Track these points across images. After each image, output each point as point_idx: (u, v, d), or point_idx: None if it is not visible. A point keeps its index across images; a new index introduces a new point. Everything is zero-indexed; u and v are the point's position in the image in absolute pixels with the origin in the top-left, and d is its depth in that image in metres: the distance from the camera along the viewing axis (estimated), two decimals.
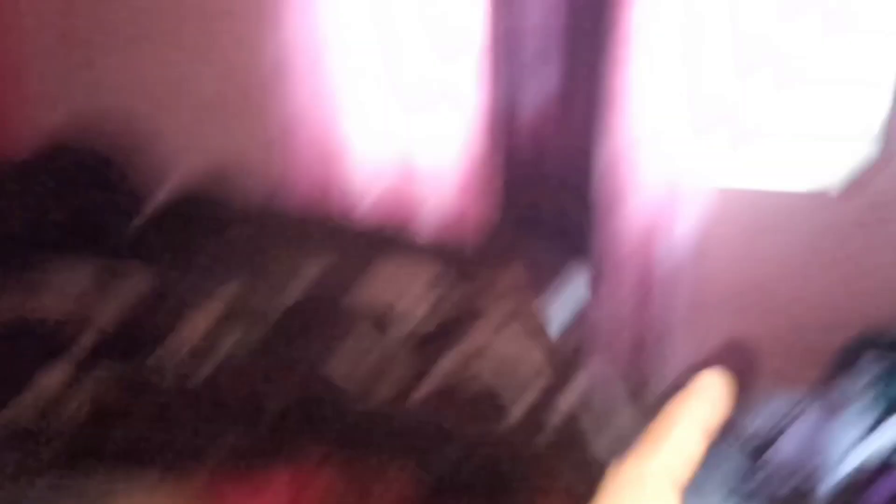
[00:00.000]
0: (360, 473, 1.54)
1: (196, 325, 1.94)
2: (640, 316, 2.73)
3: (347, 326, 2.00)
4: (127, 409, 1.70)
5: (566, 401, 1.75)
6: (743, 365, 2.66)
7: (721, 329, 2.67)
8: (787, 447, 2.61)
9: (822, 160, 2.01)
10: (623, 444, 1.66)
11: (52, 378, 1.76)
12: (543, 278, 2.25)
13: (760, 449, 2.58)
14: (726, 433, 2.69)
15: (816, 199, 2.04)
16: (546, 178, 2.34)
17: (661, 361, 2.75)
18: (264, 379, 1.78)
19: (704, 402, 0.44)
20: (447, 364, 1.89)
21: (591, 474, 1.50)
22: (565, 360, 1.87)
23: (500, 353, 1.81)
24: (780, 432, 2.61)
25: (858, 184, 2.02)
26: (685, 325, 2.69)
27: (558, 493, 1.49)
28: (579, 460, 1.61)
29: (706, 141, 1.93)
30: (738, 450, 2.68)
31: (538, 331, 1.92)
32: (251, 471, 1.43)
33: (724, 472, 2.67)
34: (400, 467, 1.52)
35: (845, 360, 2.35)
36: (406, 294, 2.07)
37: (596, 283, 2.61)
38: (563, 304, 2.30)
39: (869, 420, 2.38)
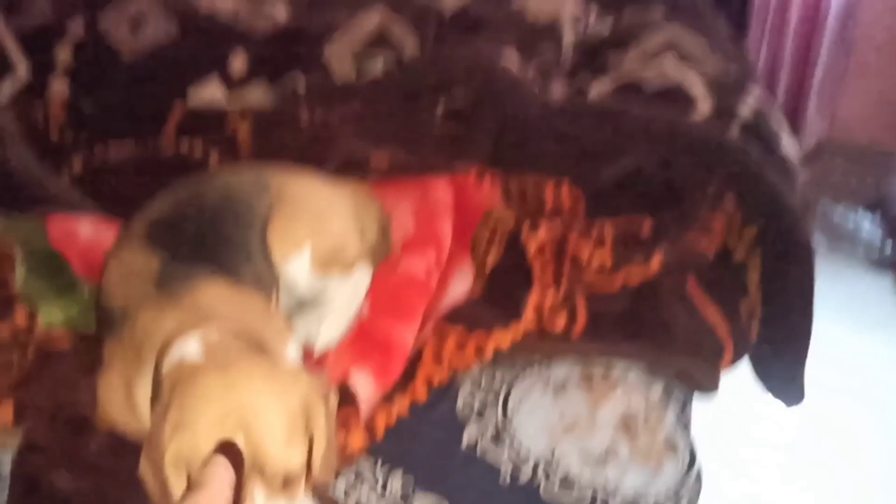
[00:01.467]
0: (523, 182, 1.54)
1: (366, 21, 1.88)
2: (797, 60, 2.78)
3: (517, 30, 1.98)
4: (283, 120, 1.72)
5: (748, 104, 1.72)
6: None
7: (873, 85, 2.70)
8: None
9: None
10: (790, 173, 1.63)
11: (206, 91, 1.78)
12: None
13: None
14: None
15: None
16: None
17: (815, 109, 2.77)
18: (443, 71, 1.77)
19: None
20: (627, 63, 1.86)
21: (767, 187, 1.50)
22: (732, 80, 1.86)
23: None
24: None
25: None
26: (839, 74, 2.71)
27: (723, 208, 1.47)
28: (769, 159, 1.58)
29: None
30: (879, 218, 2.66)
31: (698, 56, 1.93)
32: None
33: (863, 241, 2.65)
34: (565, 178, 1.51)
35: None
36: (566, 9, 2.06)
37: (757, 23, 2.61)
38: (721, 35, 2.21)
39: None
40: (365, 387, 1.22)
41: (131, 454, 1.13)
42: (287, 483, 0.99)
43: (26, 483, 1.16)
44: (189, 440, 0.95)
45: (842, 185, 2.97)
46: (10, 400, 1.21)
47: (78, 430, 1.17)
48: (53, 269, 1.39)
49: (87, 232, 1.49)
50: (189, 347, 1.06)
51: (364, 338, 1.30)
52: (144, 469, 1.02)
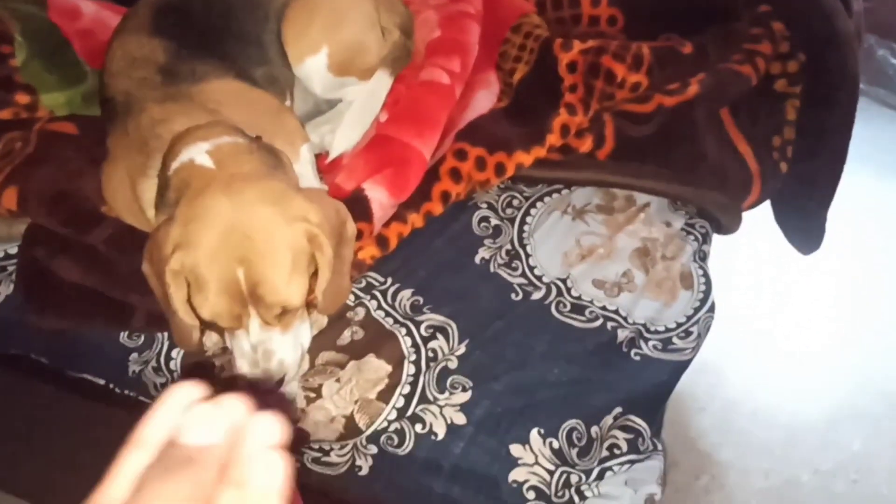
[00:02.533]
0: None
1: None
2: None
3: None
4: None
5: None
6: None
7: None
8: None
9: None
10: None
11: None
12: None
13: None
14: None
15: None
16: None
17: None
18: None
19: None
20: None
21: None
22: None
23: None
24: None
25: None
26: None
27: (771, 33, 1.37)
28: None
29: None
30: None
31: None
32: None
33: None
34: None
35: None
36: None
37: None
38: None
39: None
40: (379, 198, 1.18)
41: (136, 247, 1.12)
42: (283, 315, 0.98)
43: (32, 273, 1.15)
44: (191, 259, 0.93)
45: (890, 20, 2.79)
46: (14, 187, 1.17)
47: (83, 221, 1.14)
48: (54, 46, 1.31)
49: (90, 12, 1.39)
50: (199, 151, 1.01)
51: (381, 147, 1.25)
52: (147, 269, 1.01)
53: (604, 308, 1.17)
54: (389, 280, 1.19)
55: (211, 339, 1.13)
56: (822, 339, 1.97)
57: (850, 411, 1.82)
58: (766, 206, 1.50)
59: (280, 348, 0.99)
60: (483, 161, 1.27)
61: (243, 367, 0.98)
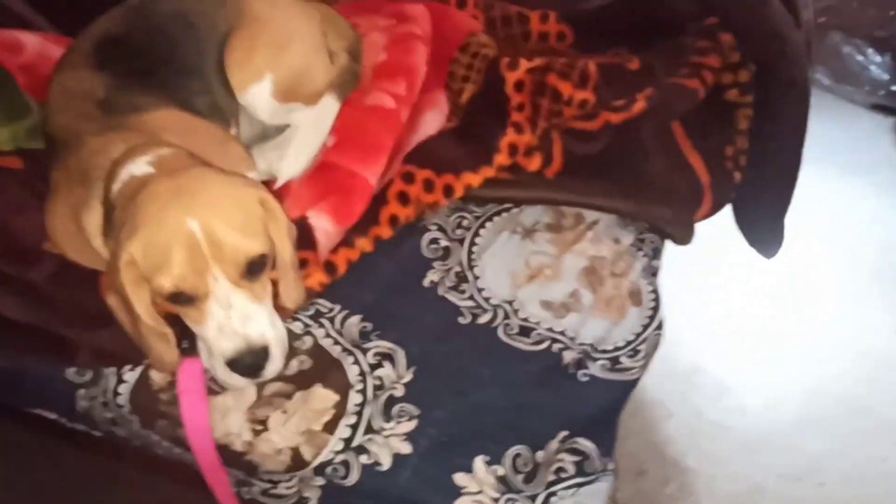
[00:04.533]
0: (506, 10, 1.45)
1: None
2: None
3: None
4: None
5: None
6: None
7: None
8: None
9: None
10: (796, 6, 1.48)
11: None
12: None
13: None
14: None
15: None
16: None
17: None
18: None
19: None
20: None
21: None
22: None
23: None
24: None
25: None
26: None
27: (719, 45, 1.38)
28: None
29: None
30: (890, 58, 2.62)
31: None
32: None
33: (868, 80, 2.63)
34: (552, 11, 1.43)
35: None
36: None
37: None
38: None
39: None
40: (324, 226, 1.18)
41: (80, 282, 1.12)
42: (250, 277, 0.97)
43: None
44: (140, 240, 0.94)
45: (856, 18, 2.80)
46: None
47: (23, 257, 1.14)
48: None
49: (34, 46, 1.39)
50: (139, 165, 1.02)
51: (325, 174, 1.25)
52: (111, 299, 1.01)
53: (550, 329, 1.17)
54: (338, 307, 1.19)
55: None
56: (786, 344, 1.99)
57: (813, 416, 1.83)
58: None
59: (256, 314, 0.98)
60: (431, 183, 1.28)
61: (220, 342, 0.96)
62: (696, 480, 1.74)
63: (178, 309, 0.99)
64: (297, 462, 1.06)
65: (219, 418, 1.08)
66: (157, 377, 1.12)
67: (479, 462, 1.03)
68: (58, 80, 1.19)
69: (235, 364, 0.98)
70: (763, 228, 1.58)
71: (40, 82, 1.28)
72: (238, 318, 0.96)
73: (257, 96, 1.27)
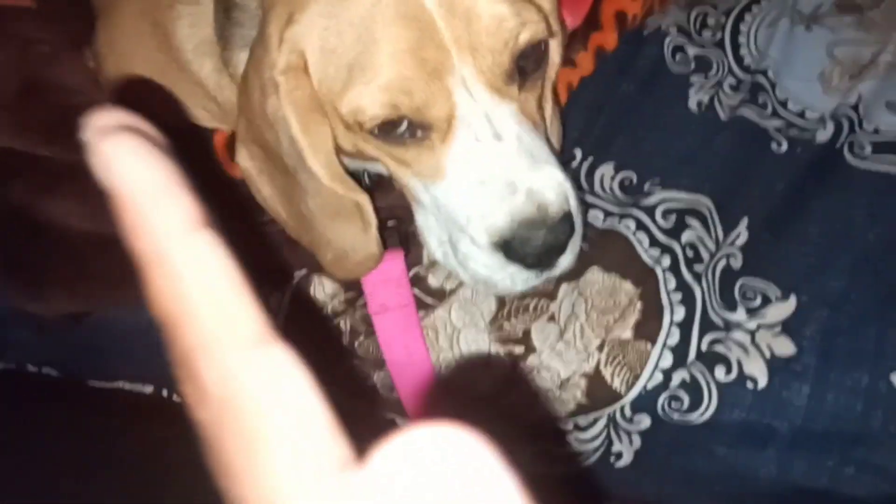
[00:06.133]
0: None
1: None
2: None
3: None
4: None
5: None
6: None
7: None
8: None
9: None
10: None
11: None
12: None
13: None
14: None
15: None
16: None
17: None
18: None
19: None
20: None
21: None
22: None
23: None
24: None
25: None
26: None
27: None
28: None
29: None
30: None
31: None
32: None
33: None
34: None
35: None
36: None
37: None
38: None
39: None
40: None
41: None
42: (519, 77, 0.53)
43: (5, 226, 0.69)
44: (317, 27, 0.50)
45: None
46: None
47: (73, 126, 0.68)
48: None
49: None
50: None
51: None
52: (244, 160, 0.58)
53: None
54: (578, 154, 0.75)
55: (324, 291, 0.69)
56: None
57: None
58: None
59: (544, 154, 0.54)
60: None
61: (486, 206, 0.52)
62: None
63: (389, 155, 0.54)
64: (600, 395, 0.63)
65: (446, 345, 0.65)
66: (328, 286, 0.67)
67: None
68: None
69: (515, 246, 0.53)
70: None
71: None
72: (516, 160, 0.52)
73: None
